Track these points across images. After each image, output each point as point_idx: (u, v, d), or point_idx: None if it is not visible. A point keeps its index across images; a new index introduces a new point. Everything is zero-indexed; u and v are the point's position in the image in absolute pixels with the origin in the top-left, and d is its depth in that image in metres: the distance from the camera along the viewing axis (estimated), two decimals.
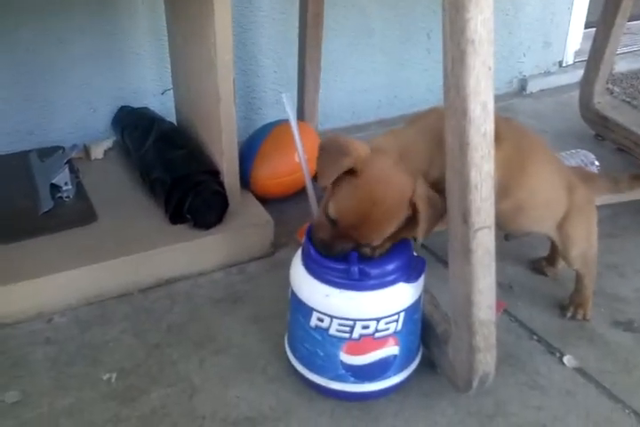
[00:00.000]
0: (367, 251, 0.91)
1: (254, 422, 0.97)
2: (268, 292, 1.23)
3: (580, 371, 1.06)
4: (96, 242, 1.22)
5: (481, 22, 0.78)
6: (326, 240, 0.89)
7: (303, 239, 1.30)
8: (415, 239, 0.91)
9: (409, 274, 0.92)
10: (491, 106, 0.82)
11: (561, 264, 1.25)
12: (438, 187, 0.89)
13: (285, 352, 1.05)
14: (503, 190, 0.91)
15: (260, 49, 1.62)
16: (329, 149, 0.89)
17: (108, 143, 1.51)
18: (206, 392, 1.02)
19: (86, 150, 1.49)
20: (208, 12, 1.09)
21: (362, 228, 0.87)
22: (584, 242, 1.10)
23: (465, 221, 0.85)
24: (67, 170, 1.36)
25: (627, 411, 0.99)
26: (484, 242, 0.86)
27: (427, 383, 1.03)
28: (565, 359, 1.08)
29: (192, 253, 1.25)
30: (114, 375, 1.05)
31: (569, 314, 1.16)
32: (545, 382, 1.04)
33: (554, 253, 1.24)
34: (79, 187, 1.36)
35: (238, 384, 1.03)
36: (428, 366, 1.04)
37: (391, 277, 0.90)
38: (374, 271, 0.89)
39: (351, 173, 0.87)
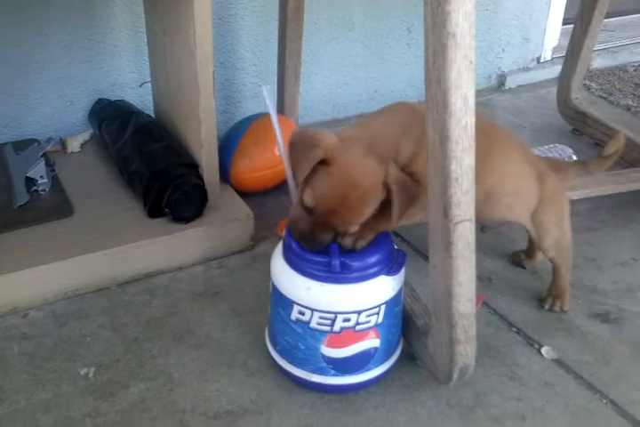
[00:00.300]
0: (348, 243, 0.91)
1: (235, 416, 0.97)
2: (247, 286, 1.22)
3: (558, 362, 1.07)
4: (73, 236, 1.20)
5: (463, 15, 0.78)
6: (305, 231, 0.89)
7: (284, 233, 1.30)
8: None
9: (390, 267, 0.92)
10: (472, 99, 0.83)
11: (539, 257, 1.26)
12: (407, 172, 0.92)
13: (266, 346, 1.04)
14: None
15: (239, 41, 1.61)
16: (298, 143, 0.91)
17: (85, 136, 1.49)
18: (186, 386, 1.01)
19: (63, 143, 1.47)
20: (187, 1, 1.07)
21: (339, 212, 0.87)
22: (557, 230, 1.12)
23: (446, 214, 0.85)
24: (42, 163, 1.33)
25: (604, 401, 1.00)
26: (465, 235, 0.87)
27: (407, 376, 1.03)
28: (544, 351, 1.09)
29: (171, 247, 1.23)
30: (92, 370, 1.04)
31: (547, 306, 1.17)
32: (524, 374, 1.05)
33: (532, 246, 1.25)
34: (55, 180, 1.34)
35: (218, 378, 1.03)
36: (409, 358, 1.05)
37: (372, 270, 0.90)
38: (356, 264, 0.89)
39: (323, 162, 0.88)
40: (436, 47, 0.80)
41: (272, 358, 1.02)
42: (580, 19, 1.65)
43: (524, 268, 1.27)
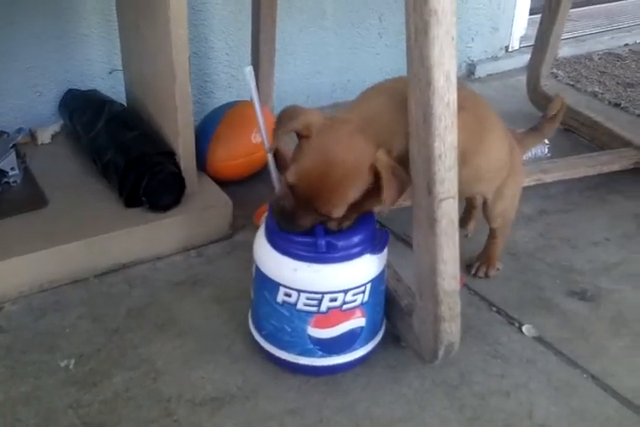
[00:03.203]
0: (333, 224, 0.90)
1: (222, 402, 0.96)
2: (227, 274, 1.21)
3: (538, 340, 1.09)
4: (47, 227, 1.18)
5: None
6: (287, 210, 0.87)
7: (263, 216, 1.30)
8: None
9: (374, 245, 0.92)
10: (454, 76, 0.83)
11: (472, 226, 1.31)
12: (401, 162, 0.89)
13: (249, 332, 1.04)
14: (462, 157, 0.91)
15: (211, 30, 1.59)
16: (283, 114, 0.91)
17: (56, 127, 1.47)
18: (170, 374, 1.00)
19: (33, 135, 1.44)
20: None
21: (320, 193, 0.85)
22: (509, 201, 1.15)
23: (429, 192, 0.86)
24: (13, 155, 1.30)
25: (585, 375, 1.02)
26: (449, 212, 0.87)
27: (392, 357, 1.04)
28: (524, 329, 1.10)
29: (149, 237, 1.22)
30: (72, 361, 1.02)
31: (473, 271, 1.21)
32: (506, 352, 1.06)
33: (468, 215, 1.31)
34: (26, 172, 1.31)
35: (203, 365, 1.02)
36: (393, 340, 1.05)
37: (357, 249, 0.90)
38: (341, 243, 0.89)
39: (306, 138, 0.87)
40: (417, 24, 0.81)
41: (257, 344, 1.01)
42: (549, 7, 1.67)
43: None
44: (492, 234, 1.20)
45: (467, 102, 0.93)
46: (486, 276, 1.21)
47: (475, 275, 1.21)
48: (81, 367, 1.00)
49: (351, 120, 0.89)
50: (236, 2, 1.58)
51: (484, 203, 1.14)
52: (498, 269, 1.22)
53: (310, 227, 0.90)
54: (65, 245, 1.15)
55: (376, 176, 0.86)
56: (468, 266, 1.22)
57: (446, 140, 0.84)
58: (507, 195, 1.13)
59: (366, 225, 0.93)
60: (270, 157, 0.99)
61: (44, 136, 1.43)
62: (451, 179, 0.86)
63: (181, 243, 1.25)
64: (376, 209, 0.94)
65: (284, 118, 0.89)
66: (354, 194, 0.86)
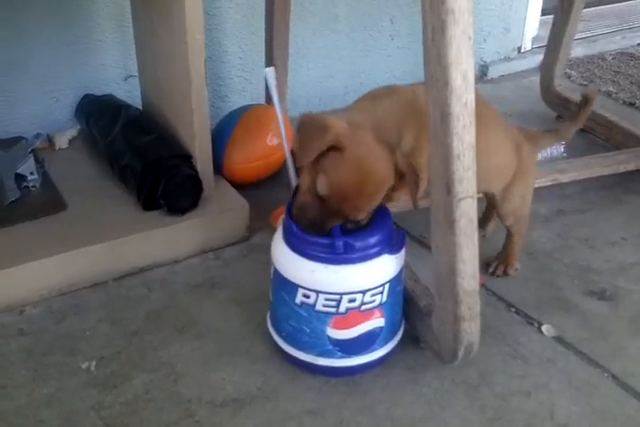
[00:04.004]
0: (351, 224, 0.91)
1: (242, 403, 0.96)
2: (245, 276, 1.22)
3: (558, 339, 1.08)
4: (67, 230, 1.19)
5: None
6: (316, 219, 0.89)
7: (280, 219, 1.30)
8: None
9: (392, 245, 0.92)
10: (471, 75, 0.83)
11: (491, 227, 1.31)
12: (408, 160, 0.92)
13: (268, 333, 1.04)
14: None
15: (225, 34, 1.60)
16: (307, 125, 0.89)
17: (73, 132, 1.48)
18: (190, 376, 1.00)
19: (50, 140, 1.45)
20: None
21: (354, 201, 0.87)
22: (519, 200, 1.15)
23: (448, 191, 0.86)
24: (31, 159, 1.32)
25: (606, 375, 1.02)
26: (468, 211, 0.87)
27: (410, 357, 1.04)
28: (544, 329, 1.10)
29: (167, 240, 1.22)
30: (93, 364, 1.02)
31: (491, 269, 1.22)
32: (526, 352, 1.05)
33: (487, 215, 1.31)
34: (45, 176, 1.32)
35: (223, 367, 1.02)
36: (412, 340, 1.05)
37: (375, 250, 0.91)
38: (358, 244, 0.89)
39: (334, 149, 0.87)
40: (435, 24, 0.80)
41: (276, 345, 1.02)
42: (561, 7, 1.67)
43: None
44: (508, 232, 1.21)
45: None
46: (505, 274, 1.21)
47: (493, 274, 1.21)
48: (102, 369, 1.01)
49: (365, 124, 0.90)
50: (249, 6, 1.59)
51: (494, 200, 1.15)
52: (516, 269, 1.21)
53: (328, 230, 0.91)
54: (84, 248, 1.15)
55: (400, 176, 0.89)
56: (486, 265, 1.22)
57: (464, 140, 0.84)
58: (515, 193, 1.13)
59: (383, 225, 0.93)
60: (288, 154, 1.00)
61: (62, 141, 1.44)
62: (469, 178, 0.86)
63: (199, 246, 1.26)
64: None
65: (311, 129, 0.87)
66: (381, 197, 0.90)
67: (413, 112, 0.93)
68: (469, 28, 0.82)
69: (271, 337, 1.03)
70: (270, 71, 0.98)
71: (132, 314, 1.12)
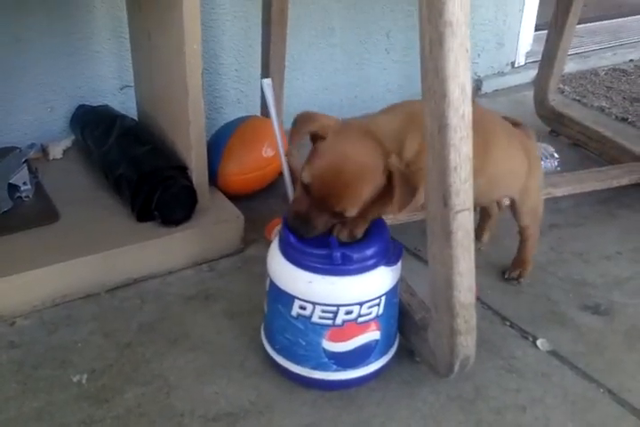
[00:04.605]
0: (344, 235, 0.90)
1: (236, 418, 0.95)
2: (240, 288, 1.21)
3: (553, 354, 1.08)
4: (60, 241, 1.18)
5: (459, 4, 0.79)
6: (301, 211, 0.88)
7: (275, 230, 1.29)
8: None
9: (388, 257, 0.92)
10: (469, 88, 0.83)
11: (486, 238, 1.31)
12: (407, 168, 0.91)
13: (262, 346, 1.03)
14: (476, 170, 0.92)
15: (221, 46, 1.61)
16: (299, 118, 0.93)
17: (67, 143, 1.47)
18: (183, 390, 0.99)
19: (44, 150, 1.45)
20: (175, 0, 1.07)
21: (335, 190, 0.86)
22: (536, 196, 1.17)
23: (445, 204, 0.86)
24: (25, 169, 1.31)
25: (601, 390, 1.01)
26: (465, 224, 0.87)
27: (406, 371, 1.03)
28: (539, 343, 1.09)
29: (161, 251, 1.22)
30: (84, 377, 1.01)
31: (507, 275, 1.23)
32: (521, 366, 1.05)
33: (481, 225, 1.31)
34: (38, 186, 1.31)
35: (216, 380, 1.01)
36: (407, 354, 1.04)
37: (372, 261, 0.90)
38: (356, 255, 0.89)
39: (320, 139, 0.89)
40: (432, 36, 0.81)
41: (270, 358, 1.01)
42: (555, 21, 1.69)
43: None
44: (522, 237, 1.22)
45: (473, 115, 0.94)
46: (519, 277, 1.22)
47: (509, 279, 1.22)
48: (93, 383, 1.00)
49: (365, 125, 0.91)
50: (246, 19, 1.60)
51: (512, 204, 1.16)
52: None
53: (324, 230, 0.90)
54: (77, 259, 1.14)
55: (387, 179, 0.88)
56: (502, 273, 1.24)
57: (461, 152, 0.84)
58: (532, 190, 1.15)
59: (380, 237, 0.92)
60: (285, 165, 0.99)
61: (56, 151, 1.44)
62: (466, 190, 0.86)
63: (193, 257, 1.25)
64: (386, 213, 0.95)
65: (300, 121, 0.91)
66: (367, 192, 0.88)
67: (420, 123, 0.93)
68: (467, 40, 0.82)
69: (265, 350, 1.02)
70: (267, 82, 0.98)
71: (124, 326, 1.11)
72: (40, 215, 1.23)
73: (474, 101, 0.96)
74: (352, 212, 0.88)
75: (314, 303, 0.90)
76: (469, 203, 0.87)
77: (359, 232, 0.91)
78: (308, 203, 0.88)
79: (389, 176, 0.87)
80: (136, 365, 1.03)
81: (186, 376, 1.02)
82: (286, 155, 0.93)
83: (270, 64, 1.47)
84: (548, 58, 1.74)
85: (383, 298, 0.92)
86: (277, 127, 0.97)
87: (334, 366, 0.95)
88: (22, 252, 1.14)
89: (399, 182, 0.87)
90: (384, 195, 0.89)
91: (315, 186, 0.87)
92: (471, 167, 0.86)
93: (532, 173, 1.14)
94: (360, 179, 0.87)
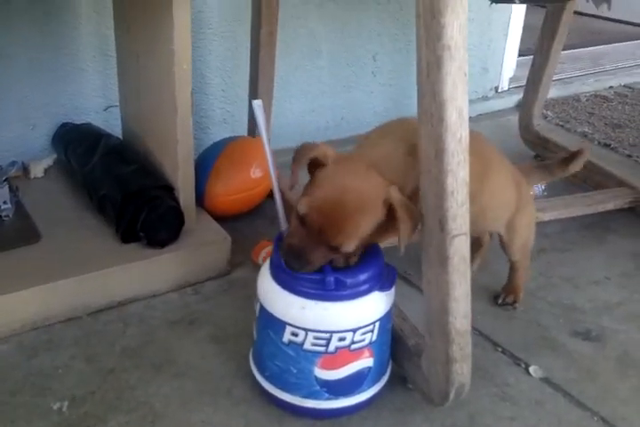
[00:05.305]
0: (340, 261, 0.88)
1: None
2: (225, 312, 1.18)
3: (546, 381, 1.06)
4: (41, 262, 1.14)
5: (457, 28, 0.78)
6: (295, 244, 0.85)
7: (262, 253, 1.27)
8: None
9: (382, 282, 0.90)
10: (466, 112, 0.83)
11: (475, 266, 1.28)
12: (412, 200, 0.88)
13: (250, 373, 1.00)
14: (471, 197, 0.90)
15: (207, 66, 1.60)
16: (299, 149, 0.90)
17: (49, 161, 1.44)
18: (169, 418, 0.96)
19: (25, 168, 1.41)
20: (166, 19, 1.06)
21: (332, 222, 0.82)
22: (526, 234, 1.16)
23: (442, 229, 0.85)
24: (6, 188, 1.27)
25: (595, 418, 1.00)
26: (461, 249, 0.86)
27: (398, 399, 1.00)
28: (531, 370, 1.08)
29: (145, 273, 1.18)
30: (65, 404, 0.97)
31: (500, 300, 1.22)
32: (514, 393, 1.03)
33: (472, 253, 1.28)
34: (19, 206, 1.28)
35: (203, 408, 0.97)
36: (398, 381, 1.02)
37: (366, 286, 0.88)
38: (350, 281, 0.87)
39: (320, 168, 0.87)
40: (430, 59, 0.80)
41: (259, 385, 0.98)
42: (540, 47, 1.71)
43: None
44: (513, 267, 1.21)
45: (471, 142, 0.93)
46: (514, 302, 1.22)
47: (502, 304, 1.22)
48: (75, 410, 0.96)
49: (365, 156, 0.88)
50: (233, 39, 1.59)
51: (500, 239, 1.15)
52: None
53: (319, 266, 0.87)
54: (58, 281, 1.11)
55: (388, 212, 0.84)
56: (495, 297, 1.24)
57: (458, 176, 0.83)
58: (521, 227, 1.14)
59: (374, 262, 0.91)
60: (276, 188, 0.97)
61: (37, 170, 1.41)
62: (463, 215, 0.85)
63: (177, 280, 1.22)
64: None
65: (302, 150, 0.88)
66: (366, 226, 0.84)
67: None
68: (465, 64, 0.82)
69: (254, 377, 0.99)
70: (258, 104, 0.96)
71: (107, 351, 1.07)
72: (21, 235, 1.20)
73: (473, 130, 0.95)
74: (349, 246, 0.84)
75: (306, 330, 0.87)
76: (466, 227, 0.86)
77: (353, 260, 0.89)
78: (304, 236, 0.84)
79: (390, 209, 0.84)
80: (119, 391, 0.99)
81: (171, 404, 0.98)
82: (290, 188, 0.89)
83: (259, 85, 1.46)
84: (534, 83, 1.76)
85: (377, 324, 0.90)
86: (268, 149, 0.95)
87: (326, 395, 0.92)
88: (2, 273, 1.10)
89: (403, 215, 0.83)
90: (382, 227, 0.85)
91: (311, 217, 0.83)
92: (467, 192, 0.85)
93: (522, 211, 1.13)
94: (359, 212, 0.83)
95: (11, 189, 1.29)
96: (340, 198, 0.83)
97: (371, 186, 0.84)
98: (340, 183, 0.84)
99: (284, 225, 0.95)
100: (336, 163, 0.86)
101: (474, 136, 1.02)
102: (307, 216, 0.84)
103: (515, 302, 1.22)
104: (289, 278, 0.89)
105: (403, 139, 0.91)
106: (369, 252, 0.91)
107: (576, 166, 1.31)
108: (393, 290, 0.93)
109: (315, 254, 0.86)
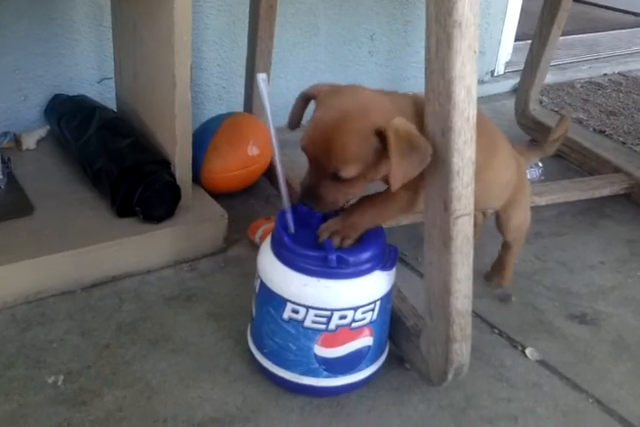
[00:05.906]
0: (336, 241, 0.87)
1: (221, 423, 0.91)
2: (222, 289, 1.17)
3: (542, 363, 1.07)
4: (34, 235, 1.12)
5: (468, 4, 0.77)
6: (308, 184, 0.85)
7: (259, 231, 1.26)
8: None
9: (384, 262, 0.89)
10: (474, 90, 0.82)
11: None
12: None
13: (248, 349, 0.99)
14: (476, 173, 0.89)
15: (204, 41, 1.57)
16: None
17: (41, 133, 1.41)
18: (166, 394, 0.95)
19: (17, 140, 1.38)
20: None
21: (324, 149, 0.80)
22: (522, 213, 1.16)
23: (446, 208, 0.84)
24: None
25: (590, 400, 1.00)
26: (464, 229, 0.85)
27: (396, 379, 1.00)
28: (528, 352, 1.08)
29: (140, 249, 1.17)
30: (61, 378, 0.96)
31: (489, 281, 1.23)
32: (511, 375, 1.04)
33: None
34: (11, 178, 1.25)
35: (200, 384, 0.97)
36: (396, 361, 1.02)
37: (368, 265, 0.87)
38: (352, 259, 0.86)
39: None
40: (440, 36, 0.79)
41: (257, 362, 0.97)
42: (539, 32, 1.69)
43: None
44: (506, 246, 1.20)
45: (477, 118, 0.92)
46: (500, 283, 1.22)
47: (489, 280, 1.23)
48: (70, 384, 0.95)
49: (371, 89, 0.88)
50: (230, 13, 1.56)
51: (497, 218, 1.15)
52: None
53: (335, 202, 0.85)
54: (52, 255, 1.09)
55: (381, 138, 0.80)
56: (485, 277, 1.23)
57: (465, 156, 0.82)
58: (519, 207, 1.13)
59: (376, 241, 0.90)
60: (280, 169, 0.95)
61: (29, 141, 1.38)
62: (467, 195, 0.84)
63: (173, 256, 1.21)
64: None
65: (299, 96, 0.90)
66: (357, 148, 0.80)
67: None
68: (476, 42, 0.80)
69: (251, 354, 0.98)
70: (263, 77, 0.94)
71: (102, 326, 1.06)
72: (13, 207, 1.17)
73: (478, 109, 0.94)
74: (348, 171, 0.80)
75: (307, 307, 0.87)
76: (470, 208, 0.85)
77: (349, 242, 0.87)
78: (313, 173, 0.84)
79: (383, 135, 0.79)
80: (115, 367, 0.98)
81: (168, 380, 0.97)
82: (290, 129, 0.89)
83: (256, 60, 1.43)
84: (531, 68, 1.75)
85: (378, 303, 0.89)
86: (272, 124, 0.93)
87: (324, 372, 0.91)
88: None
89: (395, 145, 0.78)
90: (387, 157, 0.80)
91: (308, 149, 0.83)
92: (473, 171, 0.84)
93: (521, 190, 1.13)
94: (347, 133, 0.79)
95: (2, 161, 1.26)
96: (329, 121, 0.81)
97: (362, 112, 0.81)
98: (329, 110, 0.82)
99: (286, 202, 0.94)
100: (336, 91, 0.86)
101: (479, 112, 1.02)
102: (305, 149, 0.84)
103: (500, 282, 1.22)
104: (291, 255, 0.87)
105: (408, 95, 0.92)
106: (371, 231, 0.90)
107: (561, 130, 1.32)
108: (394, 270, 0.92)
109: (324, 189, 0.84)
